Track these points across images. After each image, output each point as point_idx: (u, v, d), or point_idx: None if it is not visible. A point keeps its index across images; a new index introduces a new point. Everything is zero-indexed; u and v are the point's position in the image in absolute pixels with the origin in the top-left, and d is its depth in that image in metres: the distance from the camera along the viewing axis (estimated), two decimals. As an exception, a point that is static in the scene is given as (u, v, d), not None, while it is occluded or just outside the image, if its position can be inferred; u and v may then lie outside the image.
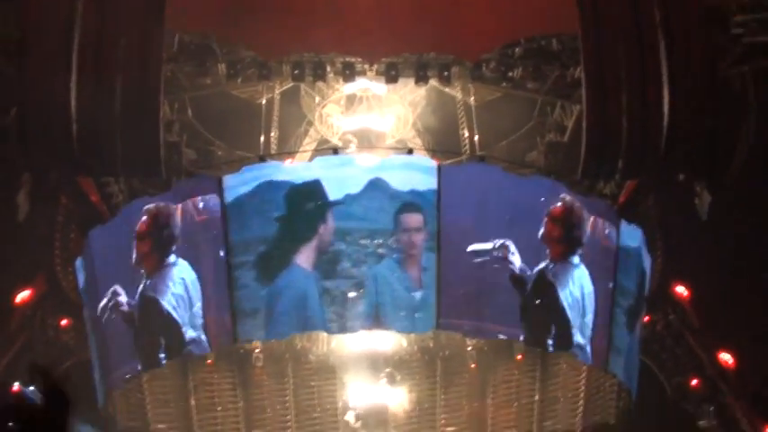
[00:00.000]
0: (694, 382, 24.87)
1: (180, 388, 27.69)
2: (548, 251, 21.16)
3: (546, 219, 21.13)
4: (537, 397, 27.80)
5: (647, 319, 24.24)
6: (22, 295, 24.81)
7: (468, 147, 27.74)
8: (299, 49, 24.53)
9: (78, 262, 22.70)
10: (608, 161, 20.04)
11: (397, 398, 26.46)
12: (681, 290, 24.09)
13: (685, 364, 24.74)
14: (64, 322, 25.65)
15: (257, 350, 26.89)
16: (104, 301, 21.86)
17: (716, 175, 20.76)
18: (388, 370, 26.03)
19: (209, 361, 26.84)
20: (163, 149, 19.95)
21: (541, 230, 21.05)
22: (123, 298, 21.62)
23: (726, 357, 24.32)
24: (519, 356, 26.74)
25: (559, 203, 21.15)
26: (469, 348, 26.80)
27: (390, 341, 25.84)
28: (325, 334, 25.34)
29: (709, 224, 21.36)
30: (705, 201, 21.00)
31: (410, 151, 22.75)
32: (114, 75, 18.95)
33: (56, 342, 25.92)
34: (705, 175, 20.87)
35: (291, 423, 28.38)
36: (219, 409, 27.97)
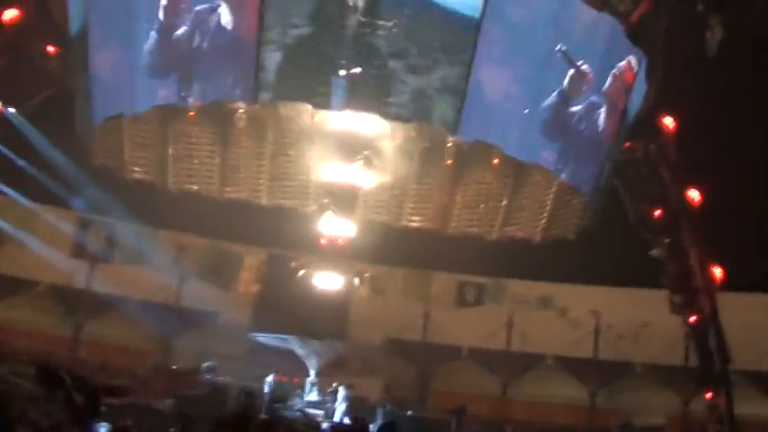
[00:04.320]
0: (657, 212, 25.49)
1: (159, 135, 27.81)
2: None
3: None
4: (504, 202, 28.53)
5: (627, 144, 24.54)
6: (10, 14, 24.05)
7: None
8: None
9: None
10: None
11: (370, 181, 26.83)
12: (668, 122, 24.19)
13: (654, 193, 25.23)
14: (51, 49, 25.11)
15: (240, 110, 26.79)
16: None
17: (733, 10, 20.29)
18: (366, 152, 25.93)
19: (191, 113, 26.72)
20: None
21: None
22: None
23: (693, 195, 24.84)
24: (496, 161, 27.00)
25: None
26: (449, 145, 26.96)
27: (374, 125, 25.78)
28: (310, 106, 25.27)
29: (714, 62, 21.12)
30: (717, 36, 20.63)
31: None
32: None
33: (41, 68, 25.49)
34: (723, 9, 20.37)
35: (264, 187, 28.93)
36: (196, 161, 28.32)
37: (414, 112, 22.47)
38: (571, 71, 21.19)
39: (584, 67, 21.27)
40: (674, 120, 23.90)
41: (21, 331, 28.45)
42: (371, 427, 22.43)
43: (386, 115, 23.27)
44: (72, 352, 28.29)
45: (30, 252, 28.81)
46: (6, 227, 29.03)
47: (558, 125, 21.86)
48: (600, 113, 22.14)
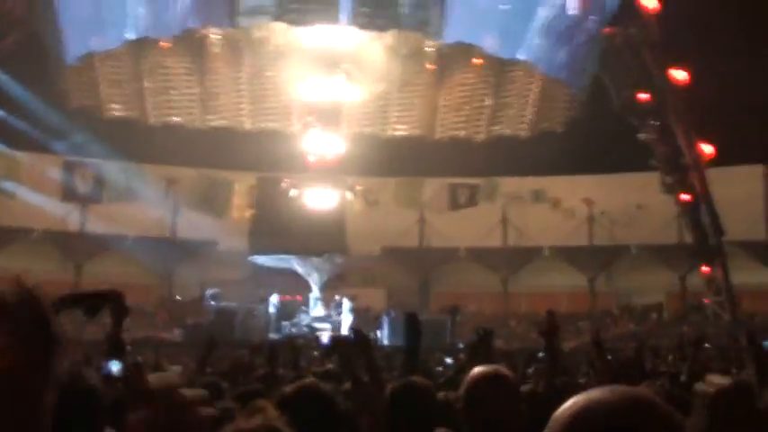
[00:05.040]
0: (643, 96, 25.34)
1: (133, 70, 27.45)
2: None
3: None
4: (489, 101, 28.36)
5: (608, 30, 24.17)
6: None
7: None
8: None
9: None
10: None
11: (353, 94, 26.58)
12: (648, 3, 23.69)
13: (637, 78, 25.01)
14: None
15: (213, 36, 26.36)
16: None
17: None
18: (345, 66, 25.64)
19: (163, 44, 26.30)
20: None
21: None
22: None
23: (678, 74, 24.63)
24: (477, 61, 26.72)
25: None
26: (429, 49, 26.61)
27: (350, 38, 25.37)
28: (284, 25, 24.83)
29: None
30: None
31: None
32: None
33: (5, 11, 24.76)
34: None
35: (245, 111, 28.70)
36: (174, 93, 28.03)
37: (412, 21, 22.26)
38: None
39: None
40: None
41: (23, 279, 28.65)
42: (379, 333, 22.92)
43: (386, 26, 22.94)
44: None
45: (19, 200, 28.71)
46: (-7, 178, 28.92)
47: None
48: None
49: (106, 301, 3.09)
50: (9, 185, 28.97)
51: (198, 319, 24.87)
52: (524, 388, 3.88)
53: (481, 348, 5.36)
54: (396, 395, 3.36)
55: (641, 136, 26.08)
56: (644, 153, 26.50)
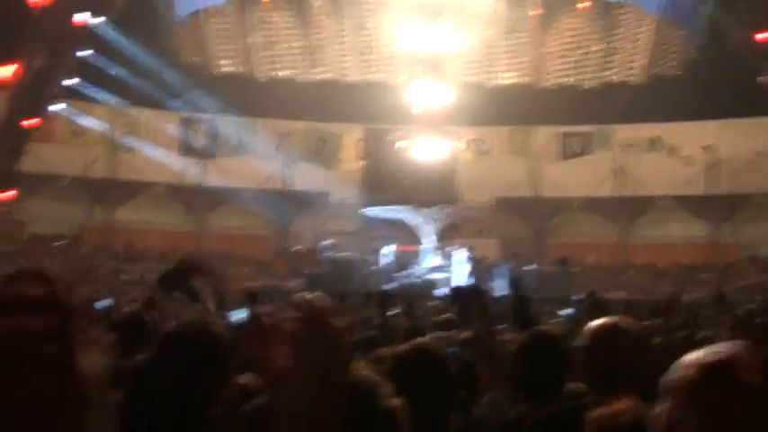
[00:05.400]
0: (763, 35, 23.94)
1: (239, 26, 27.89)
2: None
3: None
4: (597, 47, 27.46)
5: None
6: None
7: None
8: None
9: None
10: None
11: (457, 43, 26.09)
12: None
13: (756, 16, 23.62)
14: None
15: (313, -12, 26.45)
16: None
17: None
18: (447, 13, 25.05)
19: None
20: None
21: None
22: None
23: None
24: (583, 4, 25.89)
25: None
26: (533, -7, 25.94)
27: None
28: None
29: None
30: None
31: None
32: None
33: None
34: None
35: (350, 63, 28.76)
36: (283, 46, 28.36)
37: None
38: None
39: None
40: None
41: (147, 231, 29.91)
42: (495, 283, 22.82)
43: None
44: (198, 245, 29.50)
45: (141, 155, 29.78)
46: (117, 134, 30.05)
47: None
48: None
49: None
50: (131, 141, 30.13)
51: (316, 269, 25.25)
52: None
53: (594, 312, 5.29)
54: (528, 344, 3.36)
55: (762, 79, 24.74)
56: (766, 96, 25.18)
